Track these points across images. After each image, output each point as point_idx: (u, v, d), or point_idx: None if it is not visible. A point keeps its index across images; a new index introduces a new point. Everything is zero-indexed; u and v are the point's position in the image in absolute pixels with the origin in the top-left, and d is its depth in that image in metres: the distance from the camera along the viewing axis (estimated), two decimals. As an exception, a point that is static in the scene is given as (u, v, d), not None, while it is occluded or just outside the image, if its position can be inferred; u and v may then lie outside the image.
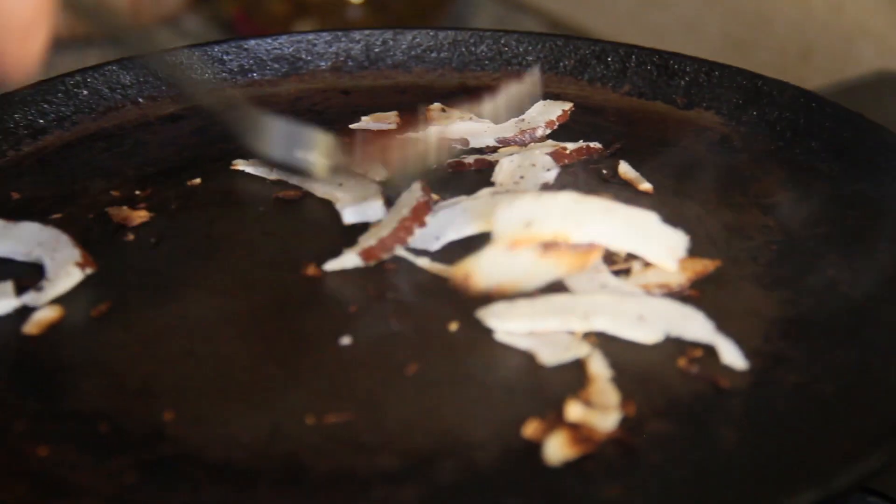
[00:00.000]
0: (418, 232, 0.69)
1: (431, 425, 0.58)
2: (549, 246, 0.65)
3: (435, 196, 0.72)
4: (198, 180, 0.78)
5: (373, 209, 0.72)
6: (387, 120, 0.85)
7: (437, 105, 0.86)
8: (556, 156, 0.78)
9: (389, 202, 0.72)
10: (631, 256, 0.67)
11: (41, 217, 0.73)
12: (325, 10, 1.47)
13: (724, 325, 0.62)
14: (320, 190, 0.75)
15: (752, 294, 0.67)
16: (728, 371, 0.60)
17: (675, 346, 0.62)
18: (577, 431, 0.56)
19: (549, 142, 0.81)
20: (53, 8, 0.60)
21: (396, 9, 1.48)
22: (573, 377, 0.60)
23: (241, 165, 0.78)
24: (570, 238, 0.65)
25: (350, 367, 0.61)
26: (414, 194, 0.71)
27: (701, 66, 0.87)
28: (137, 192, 0.76)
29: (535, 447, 0.56)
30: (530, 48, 0.92)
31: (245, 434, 0.57)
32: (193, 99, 0.78)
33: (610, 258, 0.67)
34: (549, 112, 0.84)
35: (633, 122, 0.85)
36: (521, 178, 0.75)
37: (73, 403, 0.60)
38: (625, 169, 0.78)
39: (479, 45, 0.93)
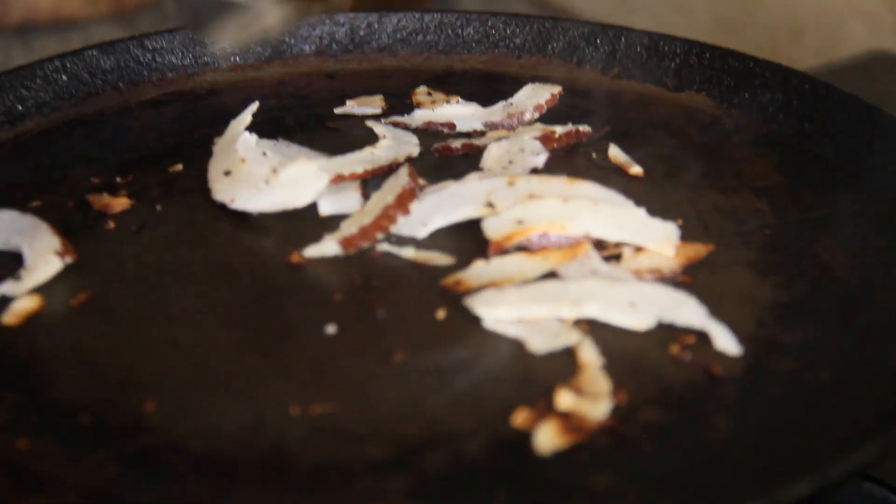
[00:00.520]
0: (402, 220, 0.68)
1: (419, 415, 0.57)
2: (535, 247, 0.65)
3: (422, 181, 0.71)
4: (180, 166, 0.77)
5: (350, 200, 0.71)
6: (372, 104, 0.84)
7: (422, 88, 0.85)
8: (545, 140, 0.77)
9: (367, 195, 0.71)
10: (621, 242, 0.67)
11: (19, 205, 0.71)
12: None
13: (716, 310, 0.62)
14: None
15: (745, 279, 0.66)
16: (721, 358, 0.60)
17: (667, 332, 0.61)
18: (568, 420, 0.55)
19: (538, 125, 0.80)
20: None
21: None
22: (563, 365, 0.59)
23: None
24: (564, 230, 0.65)
25: (335, 356, 0.60)
26: (400, 180, 0.69)
27: (692, 48, 0.86)
28: (118, 179, 0.75)
29: (524, 437, 0.55)
30: (518, 30, 0.92)
31: (228, 425, 0.56)
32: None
33: (600, 244, 0.66)
34: (538, 95, 0.83)
35: (623, 105, 0.84)
36: (510, 162, 0.74)
37: (53, 395, 0.58)
38: (615, 152, 0.77)
39: (466, 28, 0.92)
